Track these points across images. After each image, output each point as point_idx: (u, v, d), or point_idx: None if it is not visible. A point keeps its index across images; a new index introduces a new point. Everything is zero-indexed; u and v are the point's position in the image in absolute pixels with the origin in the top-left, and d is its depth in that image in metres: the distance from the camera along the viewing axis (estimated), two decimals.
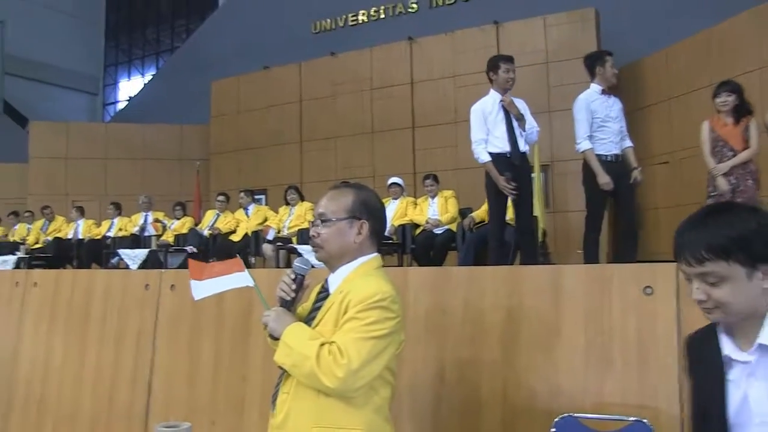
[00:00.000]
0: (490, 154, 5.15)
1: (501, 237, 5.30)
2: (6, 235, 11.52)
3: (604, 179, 4.89)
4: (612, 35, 10.26)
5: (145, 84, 21.15)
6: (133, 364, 4.61)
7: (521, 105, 5.27)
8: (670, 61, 9.38)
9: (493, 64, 5.28)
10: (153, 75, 21.08)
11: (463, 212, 7.49)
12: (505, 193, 5.03)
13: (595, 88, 5.18)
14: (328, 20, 14.33)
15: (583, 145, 5.07)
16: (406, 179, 9.61)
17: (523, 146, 5.16)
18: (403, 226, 7.48)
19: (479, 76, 10.88)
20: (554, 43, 10.39)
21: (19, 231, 11.33)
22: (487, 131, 5.20)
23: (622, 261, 4.71)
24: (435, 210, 7.53)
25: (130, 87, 23.31)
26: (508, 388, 3.16)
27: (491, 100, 5.26)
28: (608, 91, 5.16)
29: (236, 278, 2.51)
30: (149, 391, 4.49)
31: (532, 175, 5.46)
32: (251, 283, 2.47)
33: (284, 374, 2.23)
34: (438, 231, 7.28)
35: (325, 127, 12.63)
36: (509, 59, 5.30)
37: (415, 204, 7.88)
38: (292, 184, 9.32)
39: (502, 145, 5.13)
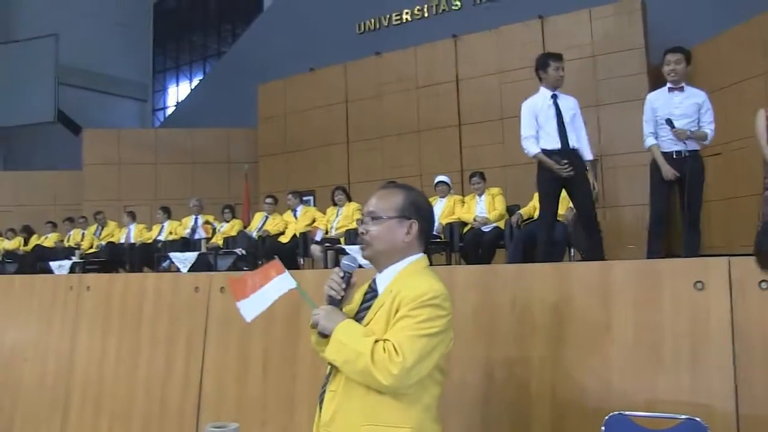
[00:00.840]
0: (544, 151, 5.16)
1: (551, 233, 5.29)
2: (62, 241, 11.82)
3: (665, 170, 4.91)
4: (659, 26, 10.07)
5: (192, 89, 21.48)
6: (185, 364, 4.70)
7: (571, 103, 5.27)
8: (721, 49, 9.15)
9: (543, 62, 5.28)
10: (200, 80, 21.37)
11: (511, 209, 7.44)
12: (562, 174, 5.03)
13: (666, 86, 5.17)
14: (372, 20, 14.34)
15: (648, 141, 5.11)
16: (453, 177, 9.58)
17: (573, 142, 5.15)
18: (450, 225, 7.45)
19: (525, 72, 10.91)
20: (600, 35, 10.23)
21: (73, 236, 11.62)
22: (536, 127, 5.21)
23: (683, 256, 4.65)
24: (482, 208, 7.49)
25: (178, 92, 23.69)
26: (557, 386, 3.14)
27: (542, 97, 5.27)
28: (675, 87, 5.08)
29: (279, 283, 2.51)
30: (200, 391, 4.57)
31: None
32: (293, 285, 2.48)
33: (332, 372, 2.25)
34: (486, 229, 7.24)
35: (371, 127, 12.65)
36: (558, 57, 5.29)
37: (463, 202, 7.84)
38: (340, 184, 9.36)
39: (553, 142, 5.14)
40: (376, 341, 2.07)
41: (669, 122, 4.93)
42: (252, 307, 2.53)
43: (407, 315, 2.08)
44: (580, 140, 5.23)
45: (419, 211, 2.32)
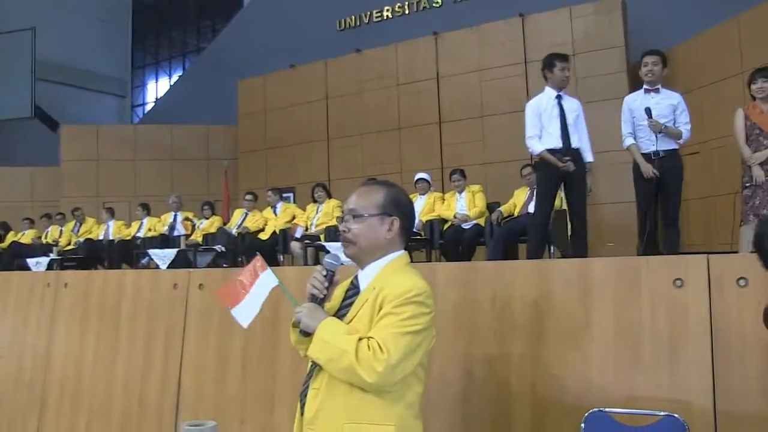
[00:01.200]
0: (548, 150, 5.24)
1: (545, 232, 5.33)
2: (39, 237, 11.68)
3: (645, 168, 5.00)
4: (639, 25, 10.15)
5: (172, 85, 21.32)
6: (163, 362, 4.66)
7: (575, 105, 5.33)
8: (699, 49, 9.24)
9: (549, 63, 5.33)
10: (180, 76, 21.22)
11: (491, 207, 7.45)
12: (567, 170, 5.09)
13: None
14: (353, 17, 14.32)
15: (627, 141, 5.20)
16: (434, 175, 9.59)
17: (576, 143, 5.22)
18: (431, 222, 7.45)
19: (506, 70, 10.98)
20: (581, 34, 10.29)
21: (51, 233, 11.48)
22: (540, 127, 5.28)
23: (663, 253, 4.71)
24: (463, 205, 7.50)
25: (157, 88, 23.51)
26: (538, 383, 3.14)
27: (546, 96, 5.32)
28: (651, 89, 5.18)
29: (265, 281, 2.49)
30: (179, 388, 4.53)
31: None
32: (276, 282, 2.46)
33: (314, 370, 2.23)
34: (466, 226, 7.24)
35: (351, 124, 12.64)
36: (565, 57, 5.35)
37: (443, 199, 7.84)
38: (320, 181, 9.34)
39: (555, 142, 5.20)
40: (360, 339, 2.05)
41: (648, 111, 4.98)
42: (246, 311, 2.51)
43: (391, 312, 2.07)
44: (582, 142, 5.29)
45: (400, 207, 2.31)
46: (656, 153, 5.04)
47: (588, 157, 5.32)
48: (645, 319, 2.93)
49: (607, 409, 2.74)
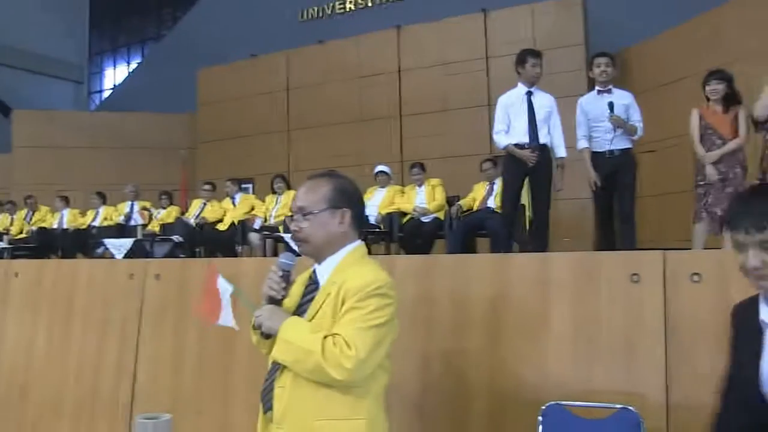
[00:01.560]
0: (515, 145, 5.27)
1: (512, 224, 5.39)
2: None
3: (590, 177, 5.17)
4: (599, 23, 10.26)
5: (130, 72, 20.98)
6: (118, 353, 4.58)
7: (546, 101, 5.36)
8: (658, 49, 9.38)
9: (521, 58, 5.38)
10: (138, 63, 20.90)
11: (451, 200, 7.48)
12: (528, 162, 5.13)
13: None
14: (316, 8, 14.24)
15: (580, 144, 5.33)
16: (394, 168, 9.59)
17: (543, 138, 5.25)
18: (390, 215, 7.45)
19: (468, 64, 11.01)
20: (542, 31, 10.35)
21: (2, 221, 11.21)
22: (508, 122, 5.34)
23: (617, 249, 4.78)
24: (422, 198, 7.50)
25: (115, 75, 23.11)
26: (495, 377, 3.16)
27: (516, 92, 5.38)
28: (604, 90, 5.28)
29: (223, 286, 2.44)
30: (134, 380, 4.46)
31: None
32: (230, 289, 2.41)
33: (278, 369, 2.20)
34: (425, 219, 7.26)
35: (312, 115, 12.56)
36: (537, 54, 5.39)
37: (403, 192, 7.85)
38: (280, 173, 9.27)
39: (521, 136, 5.24)
40: (325, 337, 2.03)
41: (610, 105, 5.06)
42: (227, 315, 2.45)
43: (355, 306, 2.05)
44: (553, 137, 5.33)
45: (349, 197, 2.29)
46: (611, 152, 5.16)
47: (560, 152, 5.35)
48: (602, 314, 2.97)
49: (564, 402, 2.77)
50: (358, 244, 2.30)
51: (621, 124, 5.06)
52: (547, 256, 3.37)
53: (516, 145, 5.22)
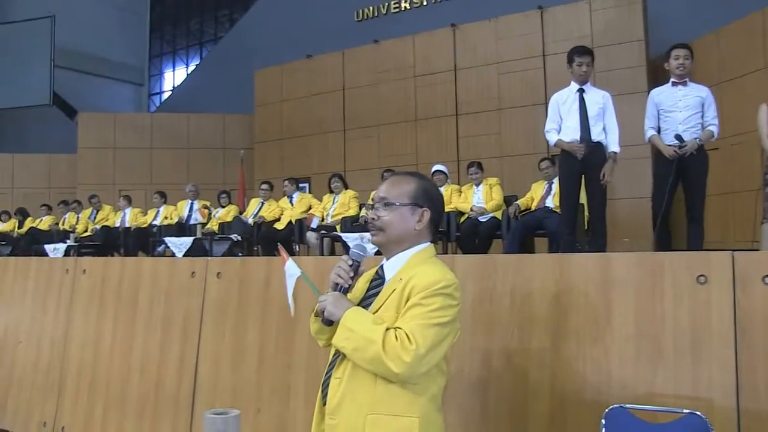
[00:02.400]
0: (560, 142, 5.25)
1: (573, 224, 5.31)
2: (57, 224, 11.75)
3: (666, 150, 4.95)
4: (660, 18, 10.06)
5: (189, 74, 21.34)
6: (180, 350, 4.66)
7: (599, 97, 5.27)
8: (722, 43, 9.13)
9: (569, 57, 5.32)
10: (197, 65, 21.24)
11: (508, 200, 7.42)
12: (577, 155, 5.09)
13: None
14: (371, 8, 14.30)
15: (648, 133, 5.17)
16: (450, 167, 9.55)
17: (596, 136, 5.17)
18: (447, 214, 7.42)
19: (523, 63, 10.92)
20: (600, 27, 10.20)
21: (68, 220, 11.54)
22: (559, 120, 5.31)
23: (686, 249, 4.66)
24: (480, 198, 7.46)
25: (174, 77, 23.55)
26: (557, 377, 3.12)
27: (568, 90, 5.33)
28: (679, 82, 5.11)
29: (290, 271, 2.51)
30: (195, 376, 4.54)
31: None
32: (298, 272, 2.47)
33: (337, 359, 2.21)
34: (483, 219, 7.21)
35: (368, 115, 12.62)
36: (583, 52, 5.28)
37: (460, 191, 7.81)
38: (336, 172, 9.33)
39: (573, 134, 5.19)
40: (387, 329, 2.04)
41: (678, 138, 4.91)
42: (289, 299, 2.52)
43: (419, 303, 2.05)
44: (608, 133, 5.23)
45: (431, 199, 2.30)
46: (682, 146, 4.98)
47: (612, 147, 5.22)
48: (667, 315, 2.90)
49: (628, 406, 2.71)
50: (428, 245, 2.30)
51: (695, 147, 4.91)
52: (608, 256, 3.30)
53: (568, 143, 5.17)
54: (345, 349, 2.12)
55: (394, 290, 2.15)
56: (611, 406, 2.73)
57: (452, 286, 2.10)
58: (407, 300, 2.09)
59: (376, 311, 2.17)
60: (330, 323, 2.19)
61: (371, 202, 2.33)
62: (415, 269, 2.16)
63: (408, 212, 2.25)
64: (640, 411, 2.69)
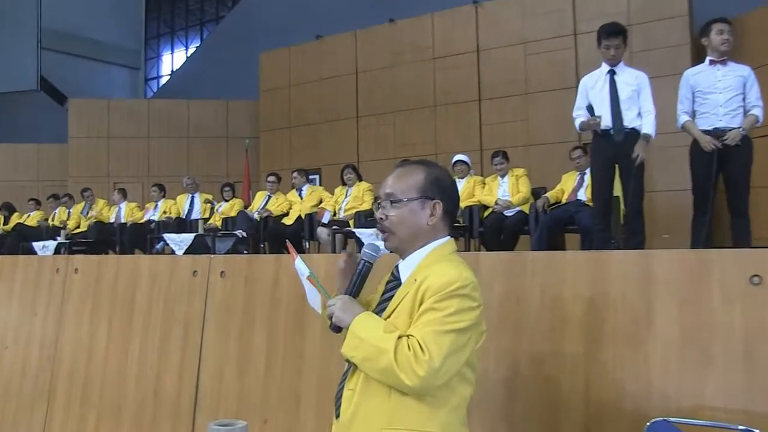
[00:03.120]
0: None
1: (606, 218, 5.27)
2: (46, 220, 11.79)
3: (704, 140, 4.87)
4: None
5: (188, 57, 21.40)
6: (181, 355, 4.67)
7: (632, 78, 5.22)
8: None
9: (598, 38, 5.31)
10: (197, 47, 21.29)
11: (536, 192, 7.38)
12: (597, 129, 5.11)
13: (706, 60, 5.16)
14: None
15: (681, 119, 5.09)
16: (472, 157, 9.50)
17: (630, 121, 5.14)
18: (470, 208, 7.40)
19: (552, 42, 10.84)
20: (638, 3, 10.09)
21: (59, 215, 11.59)
22: (588, 104, 5.29)
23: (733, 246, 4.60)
24: (505, 190, 7.43)
25: (173, 60, 23.61)
26: (592, 386, 3.08)
27: (598, 72, 5.32)
28: (718, 60, 5.03)
29: (299, 269, 2.49)
30: (197, 384, 4.54)
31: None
32: (307, 272, 2.45)
33: (350, 369, 2.20)
34: (508, 213, 7.18)
35: (383, 100, 12.58)
36: (610, 33, 5.23)
37: (484, 183, 7.78)
38: (349, 162, 9.30)
39: (604, 121, 5.16)
40: (400, 337, 2.01)
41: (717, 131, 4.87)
42: (312, 299, 2.50)
43: (433, 308, 2.01)
44: (642, 115, 5.18)
45: (443, 189, 2.25)
46: (722, 131, 4.90)
47: (645, 128, 5.15)
48: (716, 319, 2.85)
49: (672, 419, 2.66)
50: (446, 241, 2.25)
51: (740, 137, 4.84)
52: (649, 254, 3.25)
53: (601, 130, 5.15)
54: (354, 358, 2.10)
55: (407, 293, 2.12)
56: (653, 419, 2.69)
57: (469, 286, 2.05)
58: (420, 304, 2.06)
59: (389, 316, 2.14)
60: (339, 330, 2.18)
61: (377, 199, 2.29)
62: (430, 269, 2.12)
63: (418, 207, 2.21)
64: (686, 425, 2.65)
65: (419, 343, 1.96)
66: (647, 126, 5.15)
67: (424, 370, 1.94)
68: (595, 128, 5.09)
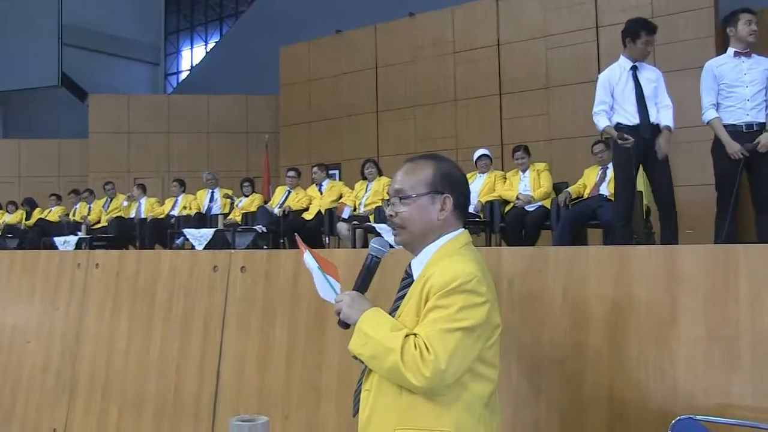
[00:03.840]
0: (619, 126, 5.16)
1: (628, 215, 5.22)
2: (67, 215, 11.88)
3: (732, 147, 4.75)
4: None
5: (208, 52, 21.45)
6: (201, 350, 4.68)
7: (653, 74, 5.20)
8: None
9: (634, 31, 5.19)
10: (216, 42, 21.35)
11: (558, 187, 7.34)
12: (626, 146, 5.00)
13: (729, 51, 5.04)
14: None
15: (708, 114, 4.96)
16: (493, 151, 9.46)
17: (654, 117, 5.10)
18: (490, 203, 7.36)
19: (574, 36, 10.78)
20: None
21: (79, 210, 11.66)
22: (611, 102, 5.24)
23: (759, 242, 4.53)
24: (527, 185, 7.39)
25: (192, 55, 23.68)
26: (616, 384, 3.05)
27: (619, 68, 5.24)
28: (743, 52, 4.93)
29: (309, 263, 2.49)
30: (217, 379, 4.55)
31: None
32: (315, 265, 2.45)
33: (366, 369, 2.19)
34: (530, 208, 7.14)
35: (403, 95, 12.56)
36: (653, 29, 5.19)
37: (505, 178, 7.74)
38: (369, 157, 9.29)
39: (631, 118, 5.12)
40: (407, 335, 1.99)
41: (750, 139, 4.76)
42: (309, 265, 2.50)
43: (437, 305, 1.99)
44: (660, 109, 5.14)
45: (452, 182, 2.24)
46: (749, 126, 4.83)
47: (664, 120, 5.10)
48: (743, 317, 2.81)
49: (699, 417, 2.63)
50: (458, 234, 2.23)
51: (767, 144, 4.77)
52: (674, 249, 3.21)
53: (626, 126, 5.10)
54: (362, 355, 2.09)
55: (415, 291, 2.11)
56: (679, 417, 2.66)
57: (473, 281, 2.01)
58: (426, 302, 2.04)
59: (400, 316, 2.13)
60: (347, 326, 2.17)
61: (387, 197, 2.28)
62: (438, 264, 2.11)
63: (428, 202, 2.20)
64: (713, 424, 2.61)
65: (425, 343, 1.95)
66: (667, 119, 5.11)
67: (430, 371, 1.92)
68: (625, 145, 5.00)
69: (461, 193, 2.26)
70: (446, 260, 2.11)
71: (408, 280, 2.23)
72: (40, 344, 5.80)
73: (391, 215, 2.25)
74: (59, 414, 5.44)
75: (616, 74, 5.22)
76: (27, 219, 12.30)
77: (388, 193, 2.31)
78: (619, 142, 5.00)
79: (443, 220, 2.20)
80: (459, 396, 2.06)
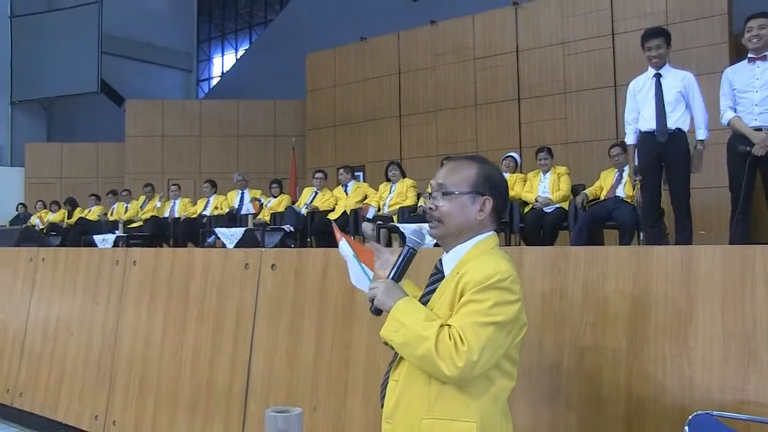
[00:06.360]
0: (639, 132, 5.24)
1: (656, 218, 5.25)
2: (105, 214, 12.00)
3: (757, 137, 4.69)
4: None
5: (238, 59, 21.56)
6: (233, 344, 4.69)
7: (678, 81, 5.17)
8: None
9: (641, 41, 5.29)
10: (246, 49, 21.44)
11: (575, 189, 7.29)
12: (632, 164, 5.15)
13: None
14: None
15: (726, 115, 4.93)
16: None
17: (673, 123, 5.09)
18: (510, 204, 7.32)
19: (591, 42, 10.71)
20: (675, 2, 9.89)
21: (117, 210, 11.77)
22: (637, 110, 5.29)
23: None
24: (546, 187, 7.34)
25: (223, 62, 23.81)
26: (633, 380, 3.02)
27: (644, 76, 5.29)
28: (757, 57, 4.85)
29: (344, 251, 2.49)
30: (249, 372, 4.56)
31: None
32: (350, 253, 2.43)
33: (395, 360, 2.17)
34: (548, 209, 7.10)
35: (425, 99, 12.56)
36: (650, 35, 5.22)
37: (525, 180, 7.70)
38: (393, 159, 9.28)
39: (649, 124, 5.15)
40: (441, 326, 1.97)
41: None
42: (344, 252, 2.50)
43: (472, 299, 1.97)
44: (695, 118, 5.14)
45: (494, 186, 2.20)
46: (757, 130, 4.76)
47: (698, 134, 5.12)
48: (759, 315, 2.77)
49: (716, 413, 2.59)
50: (489, 235, 2.21)
51: None
52: (691, 249, 3.17)
53: (644, 132, 5.14)
54: (393, 342, 2.06)
55: (449, 286, 2.08)
56: (696, 413, 2.61)
57: (508, 279, 2.00)
58: (461, 296, 2.02)
59: (431, 309, 2.10)
60: (379, 312, 2.14)
61: (429, 190, 2.26)
62: (472, 262, 2.08)
63: (468, 201, 2.16)
64: (730, 420, 2.58)
65: (459, 334, 1.93)
66: (700, 131, 5.14)
67: (463, 361, 1.90)
68: (630, 179, 5.12)
69: (501, 197, 2.22)
70: (481, 258, 2.09)
71: (438, 275, 2.21)
72: (82, 337, 5.85)
73: (431, 208, 2.21)
74: (100, 403, 5.49)
75: (640, 82, 5.28)
76: (69, 218, 12.48)
77: (430, 185, 2.28)
78: (629, 173, 5.15)
79: (480, 221, 2.18)
80: (486, 389, 2.04)
